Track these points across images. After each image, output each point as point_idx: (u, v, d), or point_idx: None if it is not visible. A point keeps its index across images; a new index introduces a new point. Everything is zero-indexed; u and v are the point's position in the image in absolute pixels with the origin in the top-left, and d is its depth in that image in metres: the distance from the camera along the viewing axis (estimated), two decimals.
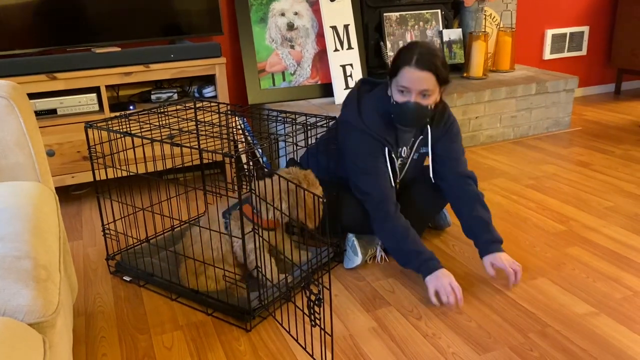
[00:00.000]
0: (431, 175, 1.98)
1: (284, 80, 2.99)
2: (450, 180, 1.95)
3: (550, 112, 3.41)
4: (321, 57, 3.06)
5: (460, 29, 3.44)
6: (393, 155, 1.92)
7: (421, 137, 1.96)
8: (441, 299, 1.69)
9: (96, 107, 2.50)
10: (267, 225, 1.76)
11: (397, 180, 2.00)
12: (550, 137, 3.35)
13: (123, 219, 2.32)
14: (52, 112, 2.44)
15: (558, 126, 3.46)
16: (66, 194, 2.73)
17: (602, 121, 3.62)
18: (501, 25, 3.62)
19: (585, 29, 4.08)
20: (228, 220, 1.79)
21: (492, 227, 1.86)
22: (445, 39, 3.39)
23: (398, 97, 1.80)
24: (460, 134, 2.00)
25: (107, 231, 2.03)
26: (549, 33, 3.96)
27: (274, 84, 2.97)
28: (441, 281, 1.69)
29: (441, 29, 3.39)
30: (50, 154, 2.43)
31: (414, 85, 1.75)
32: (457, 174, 1.95)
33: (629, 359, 1.46)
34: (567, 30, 4.02)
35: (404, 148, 1.96)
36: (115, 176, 2.07)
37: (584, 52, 4.14)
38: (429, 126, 1.92)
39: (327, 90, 3.06)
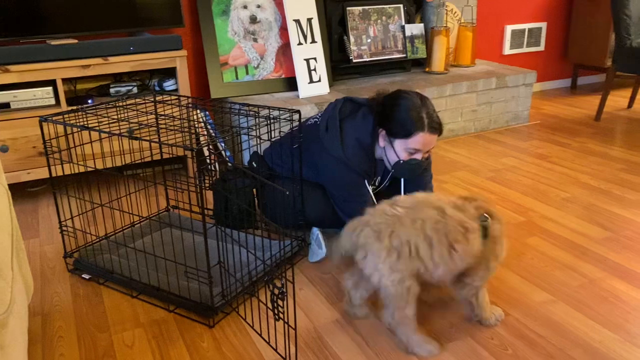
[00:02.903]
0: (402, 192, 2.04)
1: (247, 73, 2.96)
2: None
3: (510, 106, 3.48)
4: (285, 50, 3.04)
5: (422, 24, 3.47)
6: (368, 185, 1.96)
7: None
8: None
9: (52, 101, 2.43)
10: None
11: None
12: (510, 130, 3.42)
13: (81, 216, 2.26)
14: (5, 106, 2.35)
15: (517, 120, 3.54)
16: (22, 191, 2.64)
17: (559, 115, 3.71)
18: (462, 21, 3.67)
19: (543, 25, 4.18)
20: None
21: None
22: (408, 34, 3.42)
23: (404, 156, 1.82)
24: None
25: (64, 228, 1.97)
26: (509, 29, 4.04)
27: (237, 78, 2.94)
28: None
29: (403, 23, 3.41)
30: (4, 149, 2.34)
31: (427, 146, 1.80)
32: (423, 188, 2.04)
33: (585, 344, 1.50)
34: (526, 26, 4.11)
35: (378, 177, 2.02)
36: (73, 172, 2.02)
37: (542, 47, 4.24)
38: None
39: (291, 84, 3.04)
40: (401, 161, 1.83)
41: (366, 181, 1.93)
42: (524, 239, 2.08)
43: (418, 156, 1.82)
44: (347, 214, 1.90)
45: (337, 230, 2.01)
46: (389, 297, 1.44)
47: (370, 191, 1.96)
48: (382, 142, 1.87)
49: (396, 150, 1.82)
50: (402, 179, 2.00)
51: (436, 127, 1.79)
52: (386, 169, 1.99)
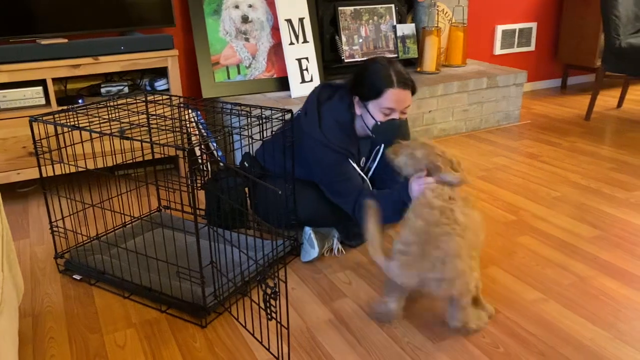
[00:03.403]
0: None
1: (239, 73, 2.96)
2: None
3: (501, 106, 3.50)
4: (276, 50, 3.04)
5: (413, 24, 3.49)
6: (354, 165, 1.95)
7: (377, 147, 2.02)
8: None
9: (42, 101, 2.41)
10: None
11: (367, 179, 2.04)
12: (501, 130, 3.44)
13: (72, 216, 2.24)
14: None
15: (508, 119, 3.56)
16: (12, 192, 2.62)
17: (549, 114, 3.74)
18: (453, 21, 3.68)
19: (534, 25, 4.20)
20: None
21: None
22: (399, 34, 3.42)
23: (380, 117, 1.83)
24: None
25: (55, 229, 1.96)
26: (499, 29, 4.06)
27: (228, 77, 2.93)
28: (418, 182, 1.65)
29: (395, 23, 3.42)
30: None
31: (400, 105, 1.80)
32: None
33: (575, 341, 1.52)
34: (517, 26, 4.13)
35: (363, 159, 2.02)
36: (64, 172, 2.00)
37: (532, 47, 4.27)
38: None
39: (283, 84, 3.04)
40: (378, 123, 1.84)
41: (351, 160, 1.93)
42: (514, 238, 2.09)
43: (395, 116, 1.83)
44: (337, 196, 1.91)
45: (330, 229, 2.02)
46: None
47: (359, 170, 1.97)
48: (358, 110, 1.88)
49: (372, 114, 1.84)
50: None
51: (406, 83, 1.80)
52: (371, 149, 2.00)
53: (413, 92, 1.84)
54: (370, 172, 2.07)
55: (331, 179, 1.91)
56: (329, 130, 1.88)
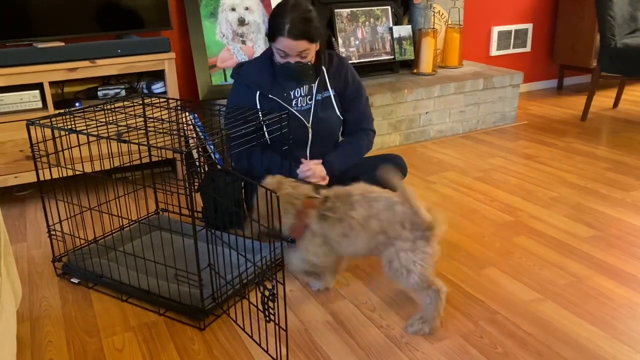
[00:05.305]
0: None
1: None
2: (350, 132, 2.11)
3: (497, 107, 3.51)
4: None
5: (409, 26, 3.49)
6: (275, 97, 1.97)
7: (319, 77, 2.02)
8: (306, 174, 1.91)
9: (39, 104, 2.41)
10: None
11: (309, 122, 2.02)
12: (498, 131, 3.45)
13: (70, 220, 2.24)
14: None
15: (505, 120, 3.57)
16: (9, 195, 2.62)
17: (546, 115, 3.75)
18: (449, 22, 3.69)
19: (529, 26, 4.21)
20: None
21: (338, 152, 2.04)
22: (396, 35, 3.43)
23: (279, 59, 1.91)
24: (361, 88, 2.09)
25: (53, 232, 1.96)
26: (495, 30, 4.08)
27: (225, 80, 2.93)
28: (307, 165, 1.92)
29: (391, 25, 3.43)
30: None
31: (291, 50, 1.86)
32: (358, 129, 2.09)
33: (572, 341, 1.52)
34: (512, 27, 4.15)
35: (298, 89, 2.01)
36: (61, 175, 2.00)
37: (528, 48, 4.28)
38: (323, 68, 2.01)
39: None
40: (278, 63, 1.92)
41: (259, 93, 1.97)
42: (511, 238, 2.10)
43: (290, 59, 1.88)
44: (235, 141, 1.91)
45: None
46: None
47: (294, 107, 2.00)
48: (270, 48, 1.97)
49: (274, 53, 1.92)
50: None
51: (296, 34, 1.82)
52: (305, 90, 2.03)
53: (312, 40, 1.87)
54: (310, 114, 2.03)
55: (233, 113, 1.91)
56: (246, 66, 2.01)
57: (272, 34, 1.87)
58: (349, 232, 1.54)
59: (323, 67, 2.01)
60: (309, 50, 1.88)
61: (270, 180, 1.66)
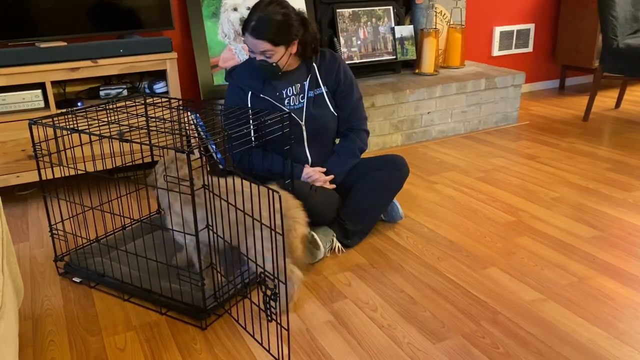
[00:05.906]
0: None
1: None
2: (343, 132, 2.15)
3: (499, 107, 3.50)
4: None
5: (411, 26, 3.49)
6: (266, 97, 2.01)
7: (310, 75, 2.06)
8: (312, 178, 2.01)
9: (41, 104, 2.41)
10: None
11: (303, 120, 2.06)
12: (499, 131, 3.45)
13: (72, 219, 2.24)
14: None
15: (506, 121, 3.57)
16: (11, 195, 2.63)
17: (547, 115, 3.75)
18: (451, 22, 3.69)
19: (531, 26, 4.21)
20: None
21: (334, 159, 2.11)
22: (398, 35, 3.43)
23: (250, 53, 1.98)
24: (354, 86, 2.12)
25: (54, 231, 1.96)
26: (497, 30, 4.07)
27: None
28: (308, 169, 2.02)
29: (393, 25, 3.43)
30: None
31: (254, 48, 1.91)
32: (350, 128, 2.13)
33: (574, 341, 1.52)
34: (514, 27, 4.14)
35: (290, 88, 2.04)
36: (63, 175, 2.01)
37: (530, 49, 4.28)
38: (315, 65, 2.05)
39: None
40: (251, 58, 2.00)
41: (251, 92, 2.03)
42: (513, 239, 2.10)
43: (255, 57, 1.95)
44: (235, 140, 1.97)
45: (326, 229, 2.02)
46: None
47: (286, 104, 2.04)
48: None
49: None
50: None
51: (257, 34, 1.87)
52: (300, 79, 2.06)
53: (275, 43, 1.89)
54: (304, 112, 2.05)
55: (232, 113, 1.94)
56: (238, 69, 2.07)
57: (242, 27, 1.93)
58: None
59: (314, 64, 2.05)
60: (273, 52, 1.92)
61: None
